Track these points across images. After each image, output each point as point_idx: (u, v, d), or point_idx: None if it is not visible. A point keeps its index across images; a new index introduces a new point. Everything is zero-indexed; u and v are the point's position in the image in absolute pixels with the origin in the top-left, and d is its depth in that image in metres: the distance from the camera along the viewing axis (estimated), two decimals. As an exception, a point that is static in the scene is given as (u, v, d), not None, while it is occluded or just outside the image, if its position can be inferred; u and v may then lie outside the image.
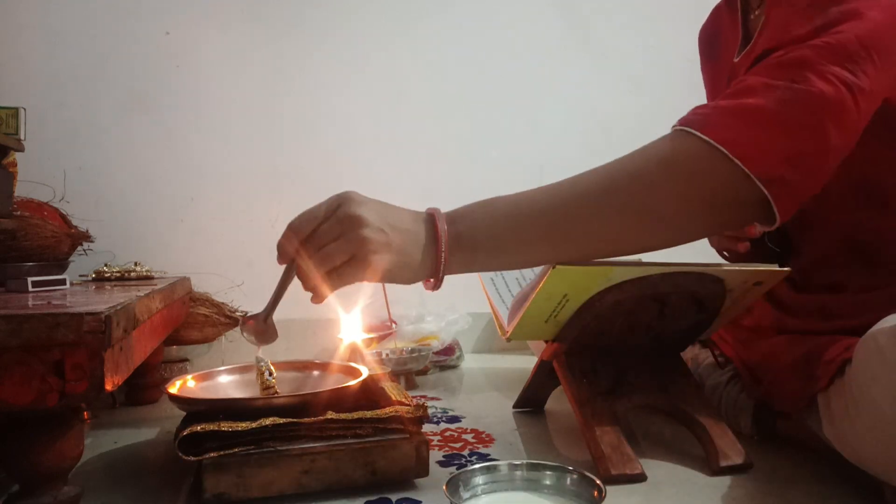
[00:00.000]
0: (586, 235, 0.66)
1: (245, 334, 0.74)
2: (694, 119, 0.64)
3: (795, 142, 0.60)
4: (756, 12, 0.81)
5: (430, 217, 0.67)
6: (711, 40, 0.95)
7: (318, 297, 0.68)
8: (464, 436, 0.90)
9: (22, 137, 0.99)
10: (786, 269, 0.77)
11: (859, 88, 0.60)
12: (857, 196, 0.74)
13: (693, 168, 0.63)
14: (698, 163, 0.62)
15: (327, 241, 0.64)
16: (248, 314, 0.76)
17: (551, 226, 0.66)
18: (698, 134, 0.62)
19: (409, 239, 0.65)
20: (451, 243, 0.65)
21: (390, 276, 0.65)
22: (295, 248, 0.66)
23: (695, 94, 1.60)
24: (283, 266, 0.71)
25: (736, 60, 0.84)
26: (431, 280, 0.67)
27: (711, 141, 0.61)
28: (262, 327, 0.74)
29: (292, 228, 0.67)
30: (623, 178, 0.65)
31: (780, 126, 0.60)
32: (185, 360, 1.25)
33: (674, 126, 0.66)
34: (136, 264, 1.11)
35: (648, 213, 0.65)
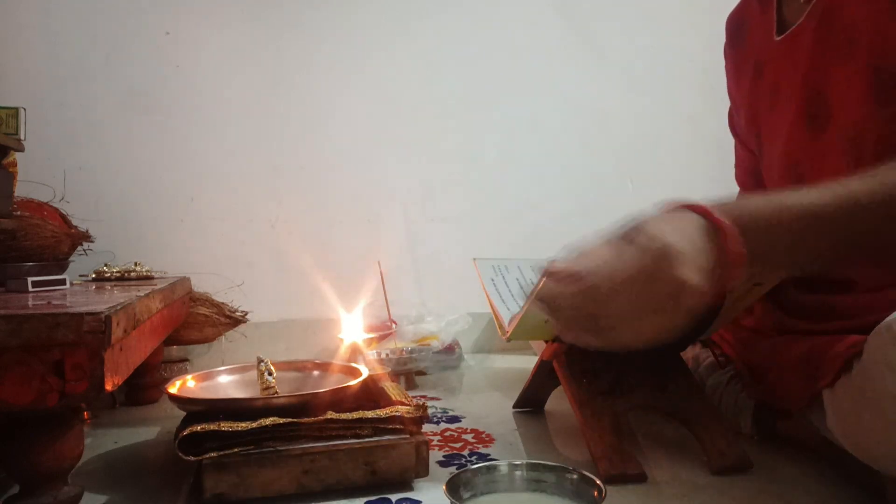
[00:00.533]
0: (875, 251, 0.60)
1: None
2: None
3: None
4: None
5: (720, 234, 0.53)
6: (739, 27, 0.95)
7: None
8: (464, 436, 0.90)
9: (22, 137, 0.99)
10: (786, 269, 0.77)
11: None
12: None
13: None
14: None
15: (643, 311, 0.52)
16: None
17: (848, 243, 0.57)
18: None
19: (708, 277, 0.52)
20: (742, 266, 0.54)
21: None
22: (576, 308, 0.53)
23: (694, 94, 1.61)
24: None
25: (777, 40, 0.83)
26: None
27: None
28: None
29: (577, 275, 0.53)
30: None
31: None
32: (185, 360, 1.25)
33: None
34: (136, 264, 1.11)
35: None
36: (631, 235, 0.53)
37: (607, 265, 0.52)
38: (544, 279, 0.54)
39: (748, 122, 0.94)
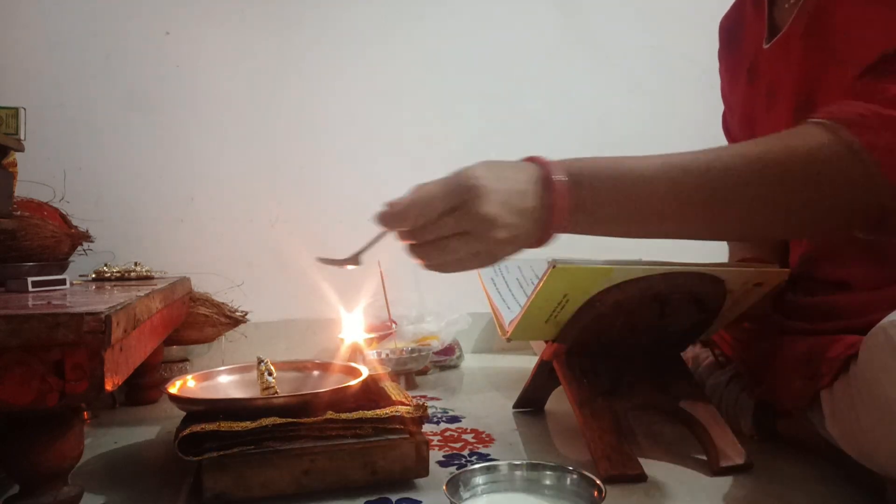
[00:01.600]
0: (719, 217, 0.63)
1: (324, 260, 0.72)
2: (850, 119, 0.61)
3: None
4: (791, 2, 0.80)
5: (548, 182, 0.62)
6: (733, 31, 0.95)
7: (440, 270, 0.64)
8: (464, 436, 0.90)
9: (22, 137, 0.99)
10: (786, 269, 0.77)
11: None
12: None
13: (844, 171, 0.60)
14: (847, 166, 0.59)
15: (453, 233, 0.60)
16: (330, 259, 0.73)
17: (685, 204, 0.62)
18: (854, 138, 0.59)
19: (529, 219, 0.61)
20: (570, 213, 0.61)
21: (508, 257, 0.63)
22: (402, 229, 0.63)
23: (694, 94, 1.61)
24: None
25: (766, 47, 0.84)
26: (537, 243, 0.64)
27: (866, 149, 0.59)
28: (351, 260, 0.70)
29: (407, 213, 0.61)
30: (768, 167, 0.61)
31: None
32: (185, 360, 1.25)
33: (824, 119, 0.62)
34: (136, 264, 1.11)
35: (787, 206, 0.62)
36: (454, 174, 0.61)
37: (421, 194, 0.61)
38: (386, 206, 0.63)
39: (742, 125, 0.94)
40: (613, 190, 0.62)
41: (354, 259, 0.69)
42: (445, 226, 0.60)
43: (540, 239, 0.63)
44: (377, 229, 0.65)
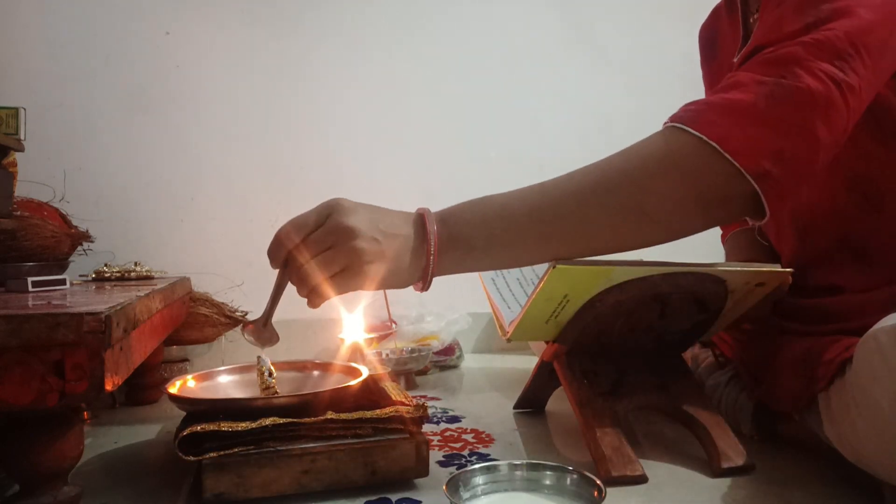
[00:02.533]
0: (579, 233, 0.67)
1: (246, 336, 0.74)
2: (685, 115, 0.65)
3: (783, 137, 0.61)
4: (755, 15, 0.81)
5: (420, 218, 0.67)
6: (711, 41, 0.95)
7: (313, 304, 0.69)
8: (464, 436, 0.90)
9: (22, 137, 0.99)
10: (788, 269, 0.77)
11: (848, 85, 0.61)
12: (850, 195, 0.74)
13: (687, 165, 0.63)
14: (692, 159, 0.63)
15: (319, 251, 0.63)
16: (248, 319, 0.77)
17: (544, 223, 0.66)
18: (691, 130, 0.63)
19: (401, 244, 0.65)
20: (442, 244, 0.65)
21: (384, 284, 0.66)
22: (284, 255, 0.66)
23: (694, 94, 1.61)
24: (277, 283, 0.71)
25: (735, 60, 0.84)
26: (420, 282, 0.68)
27: (704, 137, 0.62)
28: (263, 331, 0.73)
29: (282, 235, 0.65)
30: (616, 176, 0.66)
31: (768, 121, 0.61)
32: (185, 360, 1.25)
33: (665, 123, 0.67)
34: (136, 264, 1.11)
35: (641, 212, 0.65)
36: (324, 216, 0.64)
37: (295, 219, 0.65)
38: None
39: None
40: (480, 220, 0.67)
41: (266, 324, 0.74)
42: (313, 243, 0.63)
43: (416, 271, 0.66)
44: (273, 284, 0.70)
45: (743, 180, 0.61)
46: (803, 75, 0.60)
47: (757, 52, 0.66)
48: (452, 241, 0.66)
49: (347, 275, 0.64)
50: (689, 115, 0.64)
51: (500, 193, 0.69)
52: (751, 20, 0.83)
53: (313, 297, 0.66)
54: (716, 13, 0.95)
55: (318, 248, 0.63)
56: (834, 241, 0.77)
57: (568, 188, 0.67)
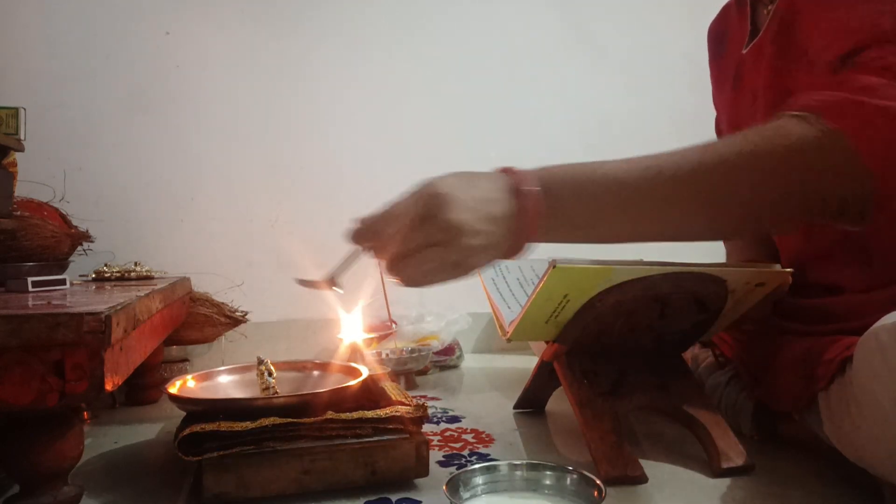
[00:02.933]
0: (695, 214, 0.62)
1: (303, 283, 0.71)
2: (827, 108, 0.60)
3: None
4: (769, 7, 0.81)
5: (519, 191, 0.59)
6: (720, 37, 0.95)
7: (406, 285, 0.62)
8: (464, 436, 0.90)
9: (22, 137, 0.99)
10: (788, 269, 0.77)
11: None
12: None
13: (824, 160, 0.59)
14: (828, 155, 0.59)
15: (422, 247, 0.58)
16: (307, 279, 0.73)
17: (663, 202, 0.61)
18: (834, 126, 0.59)
19: (502, 227, 0.58)
20: (543, 219, 0.59)
21: (480, 268, 0.61)
22: (374, 244, 0.61)
23: (694, 93, 1.61)
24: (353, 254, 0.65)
25: (744, 52, 0.84)
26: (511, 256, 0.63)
27: (844, 135, 0.58)
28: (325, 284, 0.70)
29: (373, 228, 0.61)
30: (748, 163, 0.60)
31: None
32: (185, 360, 1.25)
33: (795, 110, 0.62)
34: (136, 264, 1.11)
35: (764, 200, 0.61)
36: (421, 185, 0.60)
37: (391, 209, 0.60)
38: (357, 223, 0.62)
39: (730, 130, 0.94)
40: (587, 194, 0.60)
41: (332, 282, 0.68)
42: (416, 237, 0.58)
43: (512, 248, 0.60)
44: (350, 248, 0.63)
45: (868, 185, 0.58)
46: None
47: (857, 53, 0.64)
48: (556, 217, 0.60)
49: (453, 271, 0.59)
50: (830, 109, 0.60)
51: (608, 163, 0.63)
52: (764, 11, 0.82)
53: (415, 285, 0.61)
54: (725, 10, 0.95)
55: (422, 243, 0.58)
56: (837, 239, 0.77)
57: (688, 166, 0.61)
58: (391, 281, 0.62)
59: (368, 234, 0.61)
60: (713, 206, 0.61)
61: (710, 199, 0.61)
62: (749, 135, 0.62)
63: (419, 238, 0.58)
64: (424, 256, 0.58)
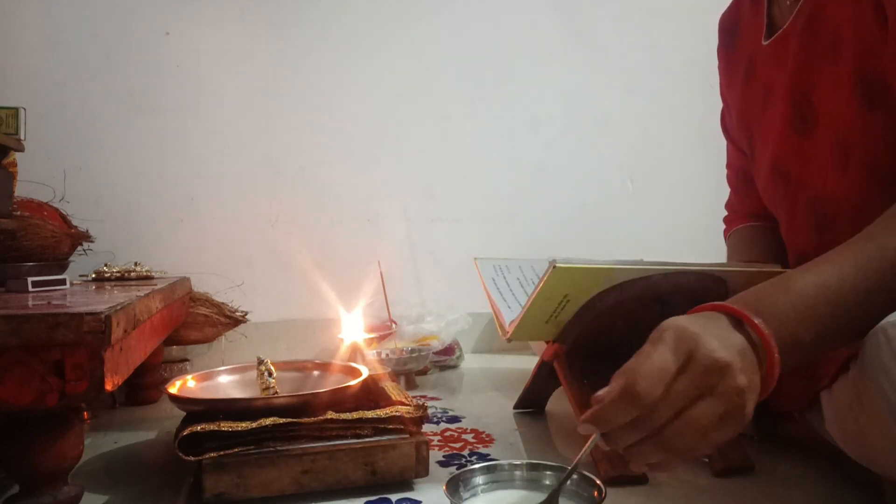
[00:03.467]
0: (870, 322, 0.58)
1: None
2: None
3: None
4: (789, 0, 0.80)
5: (762, 340, 0.52)
6: (731, 29, 0.95)
7: (668, 469, 0.53)
8: (464, 436, 0.90)
9: (22, 137, 0.99)
10: (788, 270, 0.77)
11: None
12: (882, 194, 0.72)
13: None
14: None
15: (691, 401, 0.48)
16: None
17: (873, 314, 0.57)
18: None
19: (754, 364, 0.51)
20: (778, 365, 0.52)
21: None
22: (626, 419, 0.49)
23: (693, 93, 1.61)
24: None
25: (765, 44, 0.84)
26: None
27: None
28: None
29: (631, 401, 0.49)
30: None
31: None
32: (185, 360, 1.25)
33: None
34: (136, 264, 1.11)
35: None
36: (657, 337, 0.52)
37: (639, 367, 0.50)
38: (595, 406, 0.51)
39: (740, 123, 0.94)
40: (809, 318, 0.55)
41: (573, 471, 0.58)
42: (681, 392, 0.48)
43: (765, 385, 0.52)
44: (586, 438, 0.52)
45: None
46: None
47: None
48: (788, 353, 0.53)
49: (732, 423, 0.49)
50: None
51: (817, 274, 0.57)
52: (786, 3, 0.81)
53: (688, 457, 0.51)
54: (738, 2, 0.94)
55: (690, 396, 0.48)
56: (853, 236, 0.76)
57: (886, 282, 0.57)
58: (648, 468, 0.53)
59: (613, 409, 0.50)
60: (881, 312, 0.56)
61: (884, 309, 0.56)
62: None
63: (684, 391, 0.48)
64: (695, 414, 0.48)
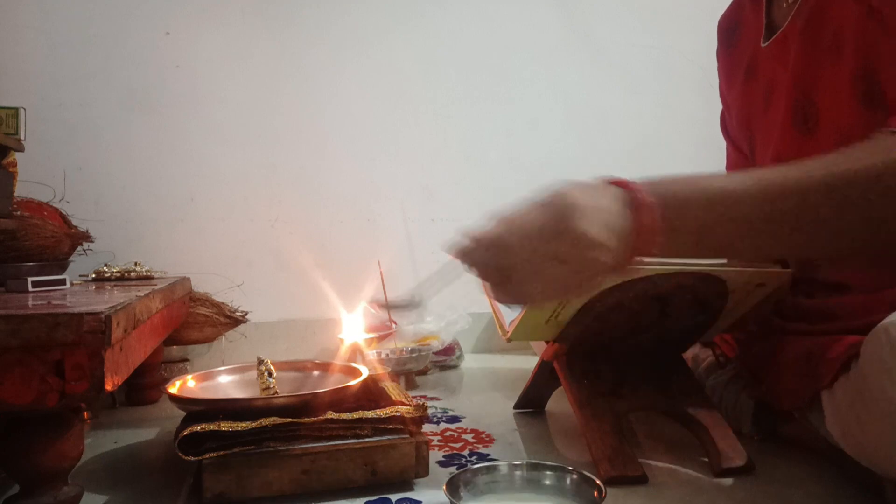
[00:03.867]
0: (811, 233, 0.58)
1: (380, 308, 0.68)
2: None
3: None
4: (789, 1, 0.80)
5: (635, 206, 0.56)
6: (731, 29, 0.95)
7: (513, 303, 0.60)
8: (464, 436, 0.90)
9: (22, 137, 0.99)
10: (788, 270, 0.77)
11: None
12: None
13: None
14: None
15: (544, 259, 0.54)
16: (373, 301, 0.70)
17: (772, 220, 0.57)
18: None
19: (622, 242, 0.55)
20: (660, 237, 0.56)
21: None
22: (488, 260, 0.56)
23: (693, 93, 1.61)
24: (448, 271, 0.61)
25: (763, 46, 0.84)
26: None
27: None
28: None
29: (490, 242, 0.56)
30: (854, 178, 0.57)
31: None
32: (185, 360, 1.25)
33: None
34: (136, 264, 1.11)
35: (877, 218, 0.57)
36: (544, 197, 0.57)
37: (516, 221, 0.56)
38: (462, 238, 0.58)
39: (740, 124, 0.94)
40: (704, 212, 0.56)
41: (415, 303, 0.63)
42: (545, 250, 0.54)
43: (624, 264, 0.56)
44: (450, 267, 0.57)
45: None
46: None
47: None
48: (669, 232, 0.56)
49: (575, 289, 0.56)
50: None
51: (719, 179, 0.59)
52: (783, 4, 0.81)
53: (521, 302, 0.58)
54: (738, 3, 0.94)
55: (549, 256, 0.54)
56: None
57: (795, 186, 0.57)
58: (493, 297, 0.58)
59: (482, 249, 0.56)
60: (822, 222, 0.57)
61: (817, 214, 0.57)
62: (854, 151, 0.58)
63: (549, 251, 0.54)
64: (548, 271, 0.54)
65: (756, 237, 0.58)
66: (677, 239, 0.57)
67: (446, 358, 1.39)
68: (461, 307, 1.44)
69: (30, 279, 0.81)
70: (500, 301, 0.59)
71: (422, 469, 0.71)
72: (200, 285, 1.24)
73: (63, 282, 0.88)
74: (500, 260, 0.55)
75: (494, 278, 0.56)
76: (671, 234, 0.56)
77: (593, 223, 0.53)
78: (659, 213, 0.55)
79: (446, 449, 0.84)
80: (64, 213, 1.09)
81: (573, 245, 0.53)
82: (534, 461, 0.65)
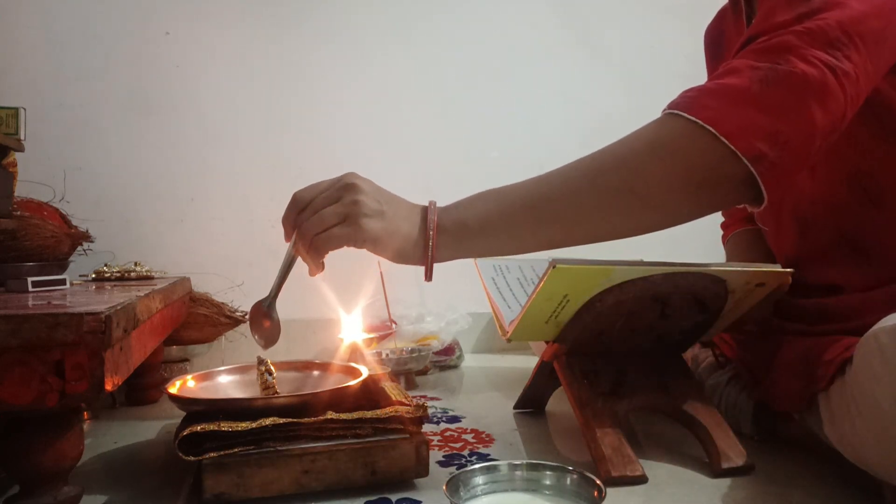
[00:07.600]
0: (571, 217, 0.68)
1: (255, 336, 0.77)
2: (680, 101, 0.66)
3: (779, 120, 0.60)
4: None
5: (424, 207, 0.71)
6: (716, 41, 0.96)
7: (313, 267, 0.73)
8: (464, 436, 0.90)
9: (22, 137, 0.99)
10: (788, 270, 0.77)
11: (843, 71, 0.60)
12: (851, 190, 0.74)
13: (680, 148, 0.64)
14: (685, 142, 0.63)
15: (324, 206, 0.68)
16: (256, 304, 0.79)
17: (538, 208, 0.67)
18: (684, 115, 0.63)
19: (401, 215, 0.69)
20: (441, 227, 0.69)
21: (381, 245, 0.68)
22: (294, 216, 0.70)
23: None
24: (286, 258, 0.75)
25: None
26: (424, 265, 0.70)
27: (697, 120, 0.62)
28: (268, 320, 0.77)
29: (295, 198, 0.71)
30: (609, 160, 0.68)
31: (763, 104, 0.61)
32: (185, 360, 1.25)
33: (663, 111, 0.68)
34: (136, 264, 1.11)
35: (632, 194, 0.65)
36: (339, 181, 0.69)
37: (312, 184, 0.70)
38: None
39: None
40: (478, 204, 0.69)
41: (270, 325, 0.78)
42: (323, 200, 0.68)
43: (424, 252, 0.69)
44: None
45: (737, 162, 0.61)
46: (797, 61, 0.60)
47: (750, 42, 0.66)
48: (450, 225, 0.69)
49: (344, 225, 0.67)
50: (683, 101, 0.65)
51: (505, 186, 0.71)
52: (753, 19, 0.83)
53: (312, 252, 0.70)
54: (722, 14, 0.95)
55: (324, 203, 0.68)
56: (833, 237, 0.77)
57: (561, 172, 0.69)
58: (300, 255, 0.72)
59: (292, 206, 0.71)
60: (579, 209, 0.68)
61: (570, 205, 0.68)
62: (615, 142, 0.69)
63: (326, 197, 0.68)
64: (323, 214, 0.68)
65: (528, 228, 0.68)
66: (461, 235, 0.69)
67: (446, 358, 1.39)
68: (461, 307, 1.44)
69: (30, 279, 0.81)
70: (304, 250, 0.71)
71: (422, 469, 0.71)
72: (200, 285, 1.24)
73: (63, 282, 0.88)
74: (296, 212, 0.70)
75: (297, 229, 0.71)
76: (451, 230, 0.69)
77: (363, 181, 0.69)
78: (438, 213, 0.70)
79: (446, 449, 0.84)
80: (64, 213, 1.09)
81: (341, 189, 0.68)
82: (534, 461, 0.65)
